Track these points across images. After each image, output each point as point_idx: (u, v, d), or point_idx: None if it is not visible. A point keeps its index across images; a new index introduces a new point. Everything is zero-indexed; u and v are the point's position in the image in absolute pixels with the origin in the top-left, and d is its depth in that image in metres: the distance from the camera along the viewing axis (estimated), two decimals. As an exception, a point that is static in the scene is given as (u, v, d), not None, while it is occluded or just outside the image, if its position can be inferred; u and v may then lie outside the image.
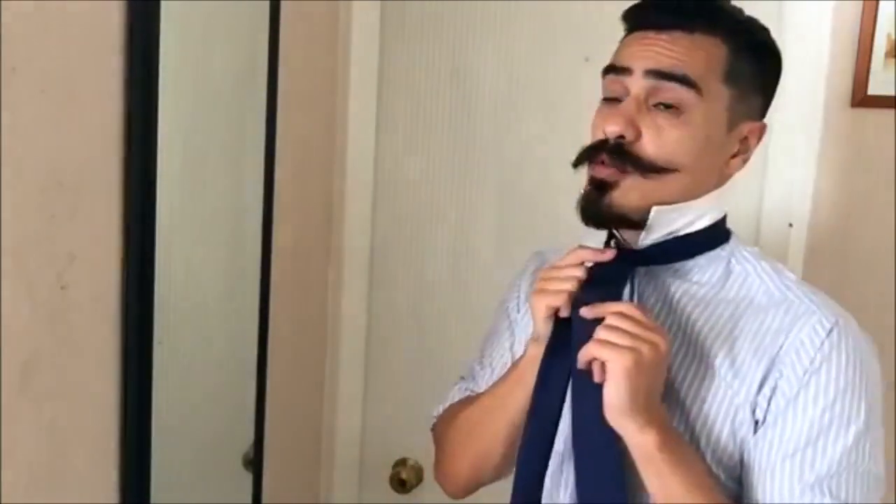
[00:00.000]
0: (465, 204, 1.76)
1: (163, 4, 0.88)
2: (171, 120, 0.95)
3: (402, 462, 1.81)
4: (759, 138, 0.98)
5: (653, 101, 0.93)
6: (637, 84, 0.93)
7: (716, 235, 0.99)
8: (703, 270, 0.98)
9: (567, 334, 0.93)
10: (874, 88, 1.62)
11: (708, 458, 0.92)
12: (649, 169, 0.92)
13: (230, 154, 1.25)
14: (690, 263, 0.98)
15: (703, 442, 0.92)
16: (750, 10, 1.68)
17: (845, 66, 1.62)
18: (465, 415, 1.09)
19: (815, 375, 0.89)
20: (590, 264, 0.95)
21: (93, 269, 0.84)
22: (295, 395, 1.62)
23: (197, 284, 1.17)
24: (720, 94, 0.93)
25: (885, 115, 1.63)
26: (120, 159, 0.86)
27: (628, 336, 0.87)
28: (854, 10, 1.60)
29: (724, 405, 0.92)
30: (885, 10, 1.59)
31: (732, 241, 1.01)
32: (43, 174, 0.75)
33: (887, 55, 1.60)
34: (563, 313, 0.94)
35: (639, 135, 0.92)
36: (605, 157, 0.93)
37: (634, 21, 0.97)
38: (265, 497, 1.37)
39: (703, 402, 0.92)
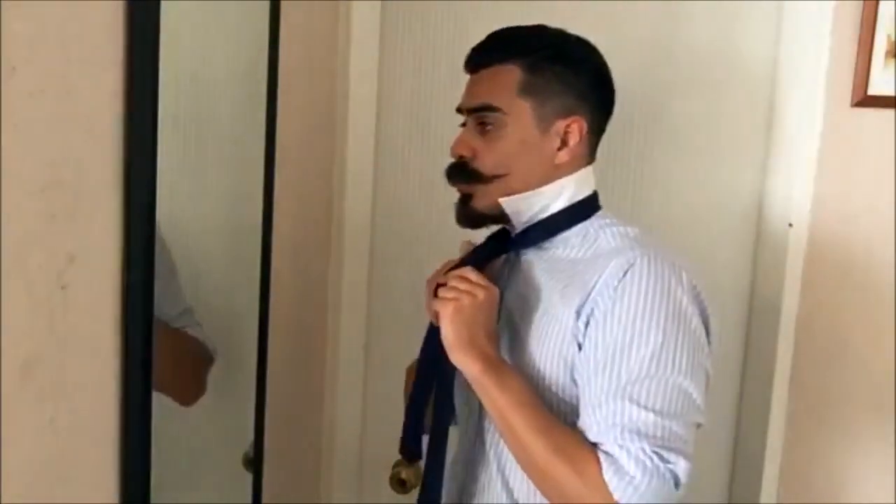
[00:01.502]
0: (465, 204, 1.76)
1: (163, 4, 0.88)
2: (171, 120, 0.95)
3: (402, 462, 1.81)
4: (581, 131, 1.19)
5: (480, 125, 1.21)
6: (468, 119, 1.23)
7: (575, 214, 1.21)
8: (566, 243, 1.21)
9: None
10: (874, 88, 1.62)
11: (553, 390, 1.14)
12: (487, 178, 1.20)
13: (230, 153, 1.25)
14: (556, 240, 1.21)
15: (547, 377, 1.14)
16: (750, 10, 1.69)
17: (845, 66, 1.62)
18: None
19: (617, 301, 1.09)
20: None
21: (93, 269, 0.83)
22: (295, 395, 1.62)
23: (197, 284, 1.17)
24: (521, 107, 1.18)
25: (885, 115, 1.63)
26: (120, 159, 0.86)
27: (455, 290, 1.14)
28: (854, 10, 1.60)
29: (556, 338, 1.14)
30: (885, 10, 1.59)
31: (595, 217, 1.22)
32: (43, 174, 0.75)
33: (887, 55, 1.60)
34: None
35: (475, 153, 1.21)
36: (457, 176, 1.23)
37: (464, 69, 1.26)
38: (265, 497, 1.36)
39: (543, 342, 1.15)
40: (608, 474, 1.03)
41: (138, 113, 0.87)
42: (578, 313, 1.11)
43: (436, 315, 1.17)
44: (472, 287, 1.14)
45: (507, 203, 1.20)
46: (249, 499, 1.34)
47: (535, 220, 1.21)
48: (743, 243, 1.75)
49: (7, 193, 0.69)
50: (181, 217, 1.07)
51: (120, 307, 0.88)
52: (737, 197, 1.75)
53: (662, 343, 1.07)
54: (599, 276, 1.11)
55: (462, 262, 1.22)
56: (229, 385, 1.31)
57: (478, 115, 1.21)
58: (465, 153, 1.22)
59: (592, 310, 1.10)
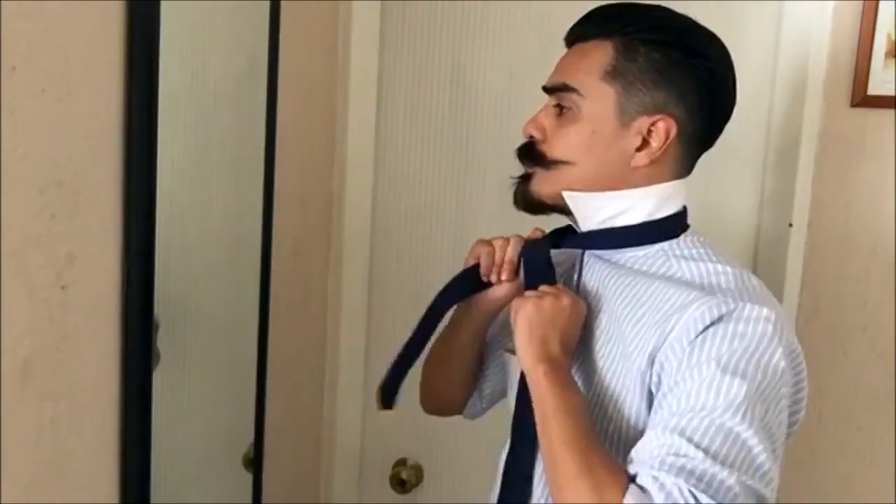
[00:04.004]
0: (465, 203, 1.76)
1: (163, 4, 0.88)
2: (171, 120, 0.95)
3: (402, 462, 1.81)
4: (668, 133, 1.03)
5: (557, 106, 1.08)
6: (549, 98, 1.10)
7: (653, 233, 1.07)
8: (642, 261, 1.06)
9: (467, 280, 1.18)
10: (874, 88, 1.62)
11: (616, 424, 1.01)
12: (548, 163, 1.07)
13: (230, 153, 1.25)
14: (629, 254, 1.07)
15: (610, 408, 1.02)
16: (750, 9, 1.69)
17: (845, 66, 1.62)
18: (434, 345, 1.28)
19: (698, 349, 0.93)
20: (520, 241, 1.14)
21: (93, 269, 0.83)
22: (295, 395, 1.62)
23: (197, 284, 1.17)
24: (602, 92, 1.04)
25: (885, 115, 1.63)
26: (120, 159, 0.86)
27: (535, 294, 1.04)
28: (854, 10, 1.60)
29: (622, 375, 1.01)
30: (885, 10, 1.59)
31: (681, 241, 1.07)
32: (43, 174, 0.75)
33: (887, 55, 1.60)
34: (482, 264, 1.15)
35: (545, 135, 1.08)
36: (523, 156, 1.11)
37: (564, 42, 1.13)
38: (265, 497, 1.37)
39: (613, 373, 1.02)
40: (628, 499, 0.87)
41: (138, 113, 0.87)
42: (652, 360, 0.97)
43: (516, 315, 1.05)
44: (558, 292, 1.04)
45: (571, 199, 1.07)
46: (249, 499, 1.34)
47: (604, 227, 1.07)
48: (743, 243, 1.75)
49: (7, 193, 0.69)
50: (181, 217, 1.07)
51: (120, 307, 0.88)
52: (737, 197, 1.75)
53: (760, 399, 0.91)
54: (679, 318, 0.96)
55: (526, 251, 1.13)
56: (229, 385, 1.31)
57: (556, 94, 1.08)
58: (535, 133, 1.09)
59: (667, 355, 0.96)
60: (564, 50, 1.12)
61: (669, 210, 1.07)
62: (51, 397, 0.79)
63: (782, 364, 0.94)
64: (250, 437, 1.33)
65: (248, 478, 1.34)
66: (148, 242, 0.90)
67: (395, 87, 1.74)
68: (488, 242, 1.16)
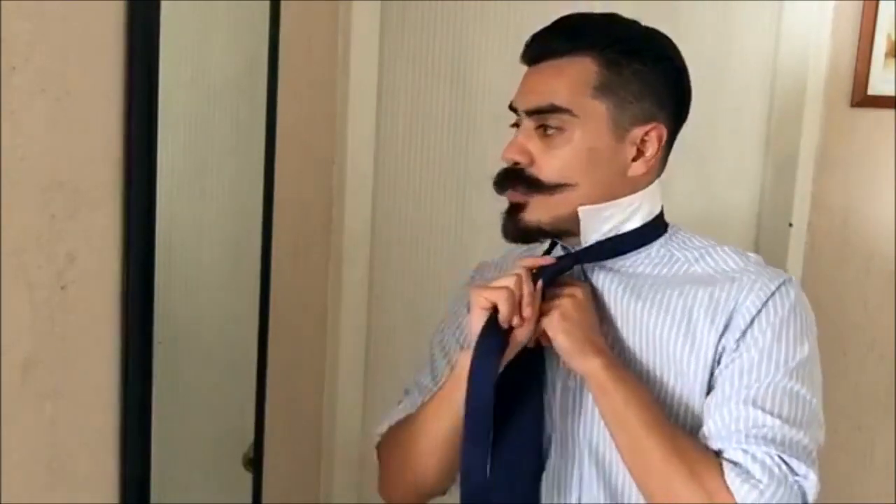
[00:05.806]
0: (465, 203, 1.76)
1: (163, 4, 0.88)
2: (171, 120, 0.95)
3: (402, 462, 1.81)
4: (660, 140, 1.05)
5: (540, 128, 1.04)
6: (524, 120, 1.06)
7: (649, 232, 1.08)
8: (646, 262, 1.08)
9: (494, 338, 1.00)
10: (874, 88, 1.62)
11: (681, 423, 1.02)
12: (549, 188, 1.04)
13: (230, 153, 1.25)
14: (633, 258, 1.08)
15: (680, 417, 1.02)
16: (751, 10, 1.69)
17: (845, 66, 1.62)
18: (405, 427, 1.13)
19: (758, 322, 1.00)
20: (535, 268, 1.06)
21: (93, 269, 0.83)
22: (295, 395, 1.62)
23: (197, 284, 1.17)
24: (594, 109, 1.03)
25: (885, 115, 1.63)
26: (120, 159, 0.86)
27: (551, 302, 1.02)
28: (854, 10, 1.61)
29: (688, 379, 1.02)
30: (885, 10, 1.59)
31: (670, 232, 1.10)
32: (43, 174, 0.75)
33: (887, 55, 1.61)
34: (502, 310, 0.99)
35: (532, 159, 1.04)
36: (510, 182, 1.06)
37: (521, 60, 1.10)
38: (265, 497, 1.36)
39: (670, 381, 1.02)
40: (731, 477, 0.92)
41: (138, 113, 0.87)
42: (717, 351, 1.01)
43: (542, 335, 1.03)
44: (565, 290, 1.04)
45: (586, 213, 1.04)
46: (249, 499, 1.34)
47: (606, 237, 1.07)
48: (743, 243, 1.75)
49: (7, 193, 0.69)
50: (181, 218, 1.07)
51: (120, 307, 0.88)
52: (737, 197, 1.75)
53: (806, 360, 1.00)
54: (735, 307, 1.01)
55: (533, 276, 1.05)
56: (229, 385, 1.31)
57: (539, 116, 1.04)
58: (521, 159, 1.05)
59: (726, 345, 1.01)
60: None
61: (658, 208, 1.10)
62: (51, 397, 0.79)
63: (811, 317, 1.04)
64: (250, 437, 1.33)
65: (248, 478, 1.34)
66: (148, 242, 0.90)
67: (395, 87, 1.74)
68: (489, 287, 1.02)
